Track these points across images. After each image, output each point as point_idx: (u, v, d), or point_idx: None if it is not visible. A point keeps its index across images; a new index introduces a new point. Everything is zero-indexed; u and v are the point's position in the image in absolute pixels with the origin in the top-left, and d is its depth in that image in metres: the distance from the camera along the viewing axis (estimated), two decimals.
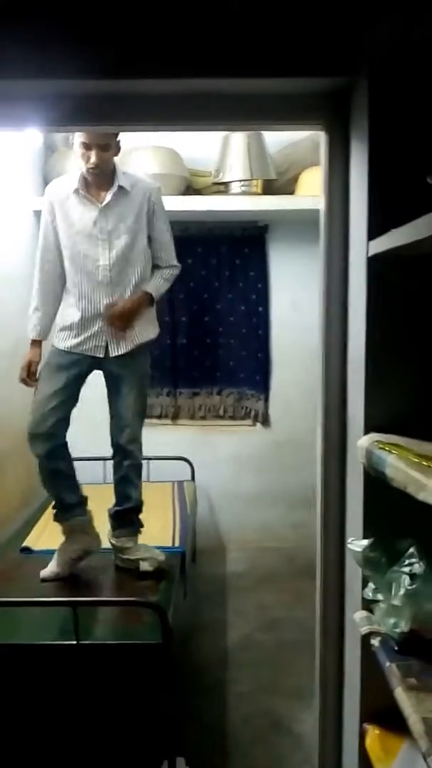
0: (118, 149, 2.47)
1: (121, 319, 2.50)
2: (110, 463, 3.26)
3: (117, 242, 2.49)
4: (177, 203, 3.56)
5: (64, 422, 2.57)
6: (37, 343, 2.64)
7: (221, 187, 3.78)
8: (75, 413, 2.60)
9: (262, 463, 4.18)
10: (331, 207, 1.54)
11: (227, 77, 1.41)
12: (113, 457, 2.66)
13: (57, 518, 2.63)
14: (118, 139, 2.45)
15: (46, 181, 3.79)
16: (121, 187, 2.48)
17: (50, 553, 2.67)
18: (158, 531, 2.92)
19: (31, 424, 2.55)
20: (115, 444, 2.63)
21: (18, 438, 3.38)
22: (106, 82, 1.42)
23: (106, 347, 2.54)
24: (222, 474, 4.18)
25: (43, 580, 2.53)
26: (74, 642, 2.01)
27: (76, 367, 2.55)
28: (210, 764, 2.24)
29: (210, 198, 3.77)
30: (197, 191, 3.85)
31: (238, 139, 3.62)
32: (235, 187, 3.70)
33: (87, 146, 2.39)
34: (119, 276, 2.52)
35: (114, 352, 2.54)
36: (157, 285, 2.62)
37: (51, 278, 2.58)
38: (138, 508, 2.65)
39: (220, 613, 3.32)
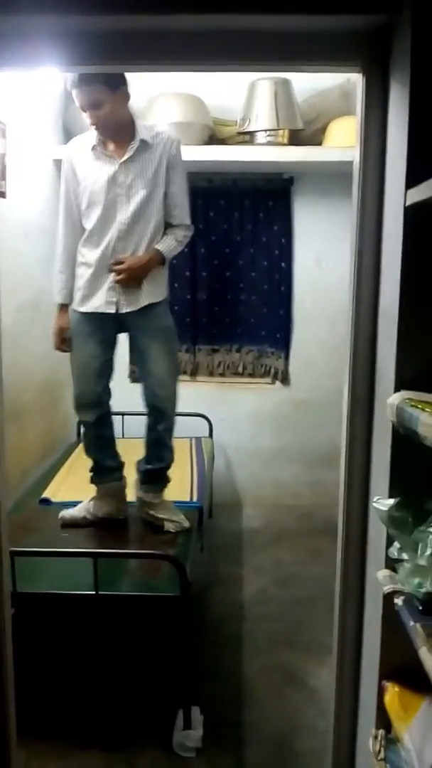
0: (123, 99, 2.34)
1: (129, 276, 2.42)
2: (129, 418, 3.28)
3: (135, 197, 2.41)
4: (200, 153, 3.46)
5: (108, 389, 2.60)
6: (64, 308, 2.57)
7: (246, 137, 3.66)
8: None
9: (280, 421, 4.17)
10: (367, 153, 1.47)
11: (256, 13, 1.33)
12: (147, 417, 2.61)
13: (93, 481, 2.66)
14: (122, 90, 2.31)
15: (66, 131, 3.70)
16: (142, 141, 2.40)
17: (69, 504, 2.71)
18: (176, 486, 2.92)
19: (77, 394, 2.57)
20: (149, 405, 2.58)
21: (39, 390, 3.39)
22: (127, 18, 1.34)
23: (117, 304, 2.47)
24: (240, 431, 4.17)
25: (63, 523, 2.60)
26: (93, 593, 2.03)
27: (101, 331, 2.52)
28: (224, 715, 2.27)
29: (234, 148, 3.64)
30: (221, 141, 3.73)
31: (265, 86, 3.49)
32: (261, 137, 3.58)
33: (81, 108, 2.32)
34: (134, 231, 2.43)
35: (123, 309, 2.47)
36: (169, 245, 2.49)
37: (74, 240, 2.52)
38: (169, 467, 2.66)
39: (236, 567, 3.34)
